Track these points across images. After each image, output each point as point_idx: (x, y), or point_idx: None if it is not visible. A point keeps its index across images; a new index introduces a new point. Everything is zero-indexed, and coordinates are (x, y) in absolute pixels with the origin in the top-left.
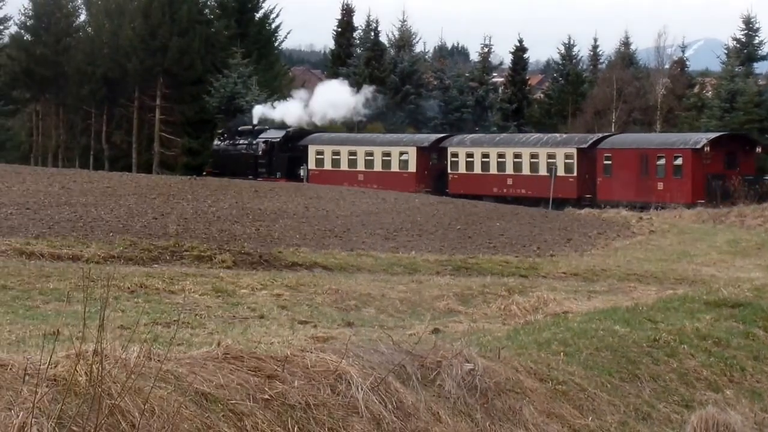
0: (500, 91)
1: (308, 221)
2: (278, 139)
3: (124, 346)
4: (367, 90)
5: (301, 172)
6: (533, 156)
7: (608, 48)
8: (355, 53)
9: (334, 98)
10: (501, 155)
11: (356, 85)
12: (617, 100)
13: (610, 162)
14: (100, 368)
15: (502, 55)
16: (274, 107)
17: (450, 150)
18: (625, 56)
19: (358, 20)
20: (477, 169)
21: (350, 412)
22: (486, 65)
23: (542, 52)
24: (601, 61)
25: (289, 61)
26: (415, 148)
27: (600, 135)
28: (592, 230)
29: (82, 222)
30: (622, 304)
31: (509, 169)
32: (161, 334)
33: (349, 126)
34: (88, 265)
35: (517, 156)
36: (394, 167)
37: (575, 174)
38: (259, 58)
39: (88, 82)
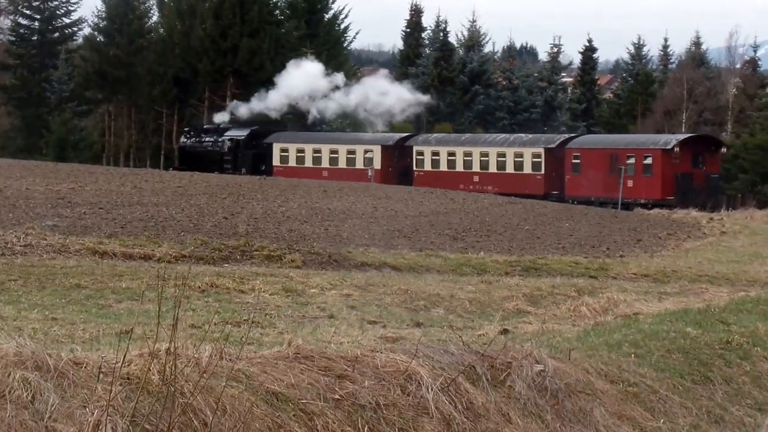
0: (569, 91)
1: (377, 221)
2: (243, 137)
3: (196, 345)
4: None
5: (369, 173)
6: (500, 155)
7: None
8: (423, 53)
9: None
10: (468, 154)
11: (424, 86)
12: (687, 100)
13: (578, 161)
14: (173, 367)
15: (572, 55)
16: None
17: (415, 149)
18: (696, 56)
19: (427, 20)
20: (443, 167)
21: (420, 413)
22: (555, 65)
23: (612, 52)
24: (671, 60)
25: (357, 62)
26: (379, 147)
27: (568, 135)
28: (662, 231)
29: (154, 221)
30: (693, 305)
31: (476, 167)
32: (232, 334)
33: (418, 126)
34: (159, 264)
35: (484, 155)
36: (359, 164)
37: (543, 172)
38: (329, 58)
39: (160, 82)
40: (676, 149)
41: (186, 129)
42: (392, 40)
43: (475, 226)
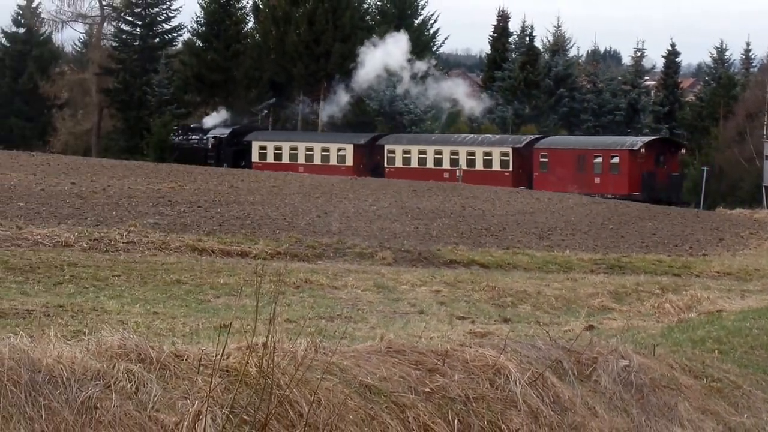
0: (652, 94)
1: (465, 220)
2: (225, 135)
3: (292, 339)
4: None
5: (457, 173)
6: (470, 153)
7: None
8: (510, 57)
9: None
10: (438, 152)
11: (510, 89)
12: None
13: (546, 159)
14: (270, 360)
15: (654, 58)
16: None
17: (387, 147)
18: None
19: (514, 26)
20: (414, 164)
21: (508, 406)
22: (638, 69)
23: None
24: (753, 64)
25: (446, 65)
26: (352, 145)
27: (535, 136)
28: (744, 230)
29: (250, 220)
30: None
31: (446, 164)
32: (326, 328)
33: (504, 127)
34: (256, 261)
35: (454, 153)
36: (333, 161)
37: (510, 169)
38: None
39: (256, 86)
40: (642, 150)
41: (175, 127)
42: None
43: (561, 225)
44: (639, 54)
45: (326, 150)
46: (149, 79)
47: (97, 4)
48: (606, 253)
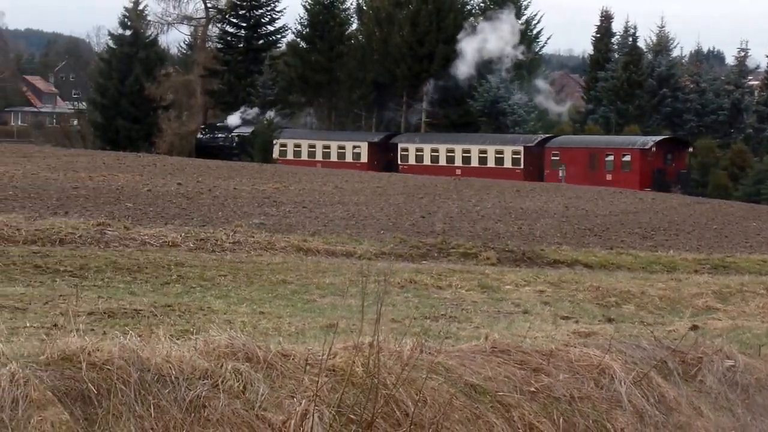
0: (756, 94)
1: (568, 220)
2: (247, 134)
3: (397, 339)
4: None
5: (560, 173)
6: (482, 152)
7: None
8: (613, 58)
9: None
10: (450, 150)
11: (613, 90)
12: None
13: (557, 158)
14: (376, 360)
15: (759, 59)
16: None
17: (400, 146)
18: None
19: (617, 26)
20: (426, 162)
21: (613, 406)
22: (742, 68)
23: None
24: None
25: (548, 66)
26: (366, 143)
27: (545, 135)
28: None
29: (355, 220)
30: None
31: (458, 162)
32: (430, 328)
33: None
34: (360, 261)
35: (466, 151)
36: (348, 158)
37: (522, 167)
38: (521, 63)
39: (359, 86)
40: (653, 149)
41: (203, 126)
42: (582, 45)
43: (664, 225)
44: (742, 54)
45: (342, 147)
46: (253, 81)
47: (202, 6)
48: (710, 253)
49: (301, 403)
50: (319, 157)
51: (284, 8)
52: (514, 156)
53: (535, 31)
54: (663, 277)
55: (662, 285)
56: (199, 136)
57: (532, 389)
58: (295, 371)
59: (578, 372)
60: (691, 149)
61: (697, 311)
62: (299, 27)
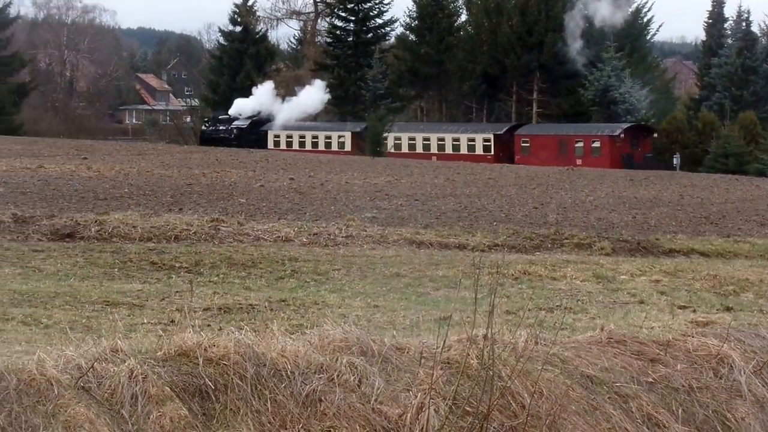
0: None
1: (683, 209)
2: (245, 126)
3: (512, 330)
4: None
5: (675, 161)
6: (455, 140)
7: None
8: (726, 43)
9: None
10: (426, 139)
11: (727, 76)
12: None
13: (528, 144)
14: (491, 352)
15: None
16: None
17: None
18: None
19: (729, 11)
20: (404, 149)
21: (733, 395)
22: None
23: None
24: None
25: (660, 53)
26: (350, 133)
27: (514, 123)
28: None
29: (467, 212)
30: None
31: (434, 150)
32: (545, 319)
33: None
34: (473, 253)
35: (441, 140)
36: (334, 147)
37: (492, 153)
38: (632, 51)
39: (469, 78)
40: (622, 135)
41: (205, 119)
42: (695, 32)
43: None
44: None
45: (329, 137)
46: (363, 74)
47: (311, 1)
48: None
49: (416, 396)
50: (308, 146)
51: (392, 0)
52: (485, 143)
53: (645, 19)
54: None
55: None
56: (203, 128)
57: (650, 380)
58: (410, 364)
59: (696, 362)
60: (655, 135)
61: None
62: (408, 20)
